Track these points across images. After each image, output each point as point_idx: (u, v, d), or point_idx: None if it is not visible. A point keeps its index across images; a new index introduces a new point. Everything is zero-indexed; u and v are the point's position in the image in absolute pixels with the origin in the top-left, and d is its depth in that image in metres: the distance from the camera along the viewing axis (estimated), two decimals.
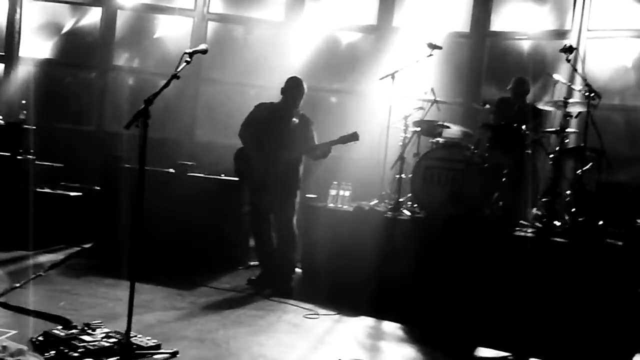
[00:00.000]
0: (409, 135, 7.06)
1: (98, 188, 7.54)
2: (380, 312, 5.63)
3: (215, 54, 9.07)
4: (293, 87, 6.20)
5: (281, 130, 6.13)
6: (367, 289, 5.86)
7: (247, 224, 6.72)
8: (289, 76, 6.30)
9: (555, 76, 6.86)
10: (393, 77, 6.70)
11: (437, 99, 6.96)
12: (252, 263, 6.99)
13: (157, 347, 4.07)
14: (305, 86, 6.24)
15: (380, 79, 6.79)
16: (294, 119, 6.20)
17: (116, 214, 6.50)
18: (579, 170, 6.33)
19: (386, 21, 9.14)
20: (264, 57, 9.06)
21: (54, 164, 7.94)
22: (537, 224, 6.30)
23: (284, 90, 6.22)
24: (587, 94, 6.16)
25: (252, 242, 6.62)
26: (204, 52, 4.36)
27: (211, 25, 9.50)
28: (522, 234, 6.02)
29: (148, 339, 4.09)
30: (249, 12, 9.46)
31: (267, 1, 9.45)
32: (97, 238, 7.15)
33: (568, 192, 6.52)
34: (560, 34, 8.30)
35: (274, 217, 6.28)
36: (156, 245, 6.09)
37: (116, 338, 4.05)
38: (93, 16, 9.56)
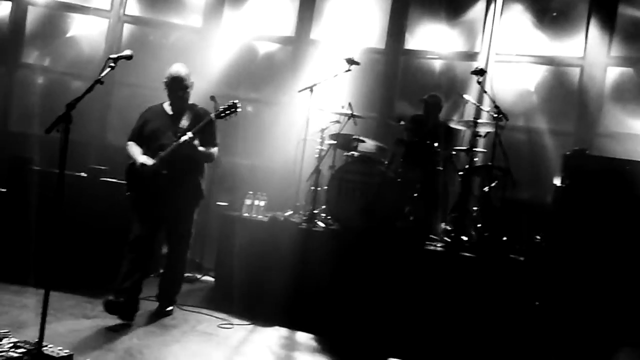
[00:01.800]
0: (325, 148, 7.16)
1: (3, 190, 7.23)
2: (294, 323, 5.71)
3: None
4: (170, 79, 5.49)
5: (169, 131, 5.40)
6: (281, 299, 5.93)
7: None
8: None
9: (466, 96, 7.18)
10: (311, 90, 6.78)
11: (354, 113, 7.09)
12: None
13: (69, 357, 3.98)
14: (186, 76, 5.50)
15: (299, 91, 6.85)
16: (185, 116, 5.48)
17: (22, 217, 6.29)
18: (486, 188, 6.63)
19: (304, 33, 9.25)
20: (180, 63, 8.95)
21: None
22: (446, 238, 6.55)
23: (165, 85, 5.51)
24: (495, 115, 6.48)
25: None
26: (129, 57, 4.30)
27: (127, 28, 9.32)
28: (432, 247, 6.25)
29: (59, 349, 3.99)
30: (167, 17, 9.35)
31: (186, 7, 9.38)
32: (0, 243, 6.86)
33: (475, 208, 6.81)
34: (470, 55, 8.67)
35: (167, 231, 5.66)
36: (66, 251, 5.92)
37: (25, 348, 3.93)
38: (1, 10, 9.17)
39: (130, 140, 5.57)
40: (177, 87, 5.48)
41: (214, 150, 5.63)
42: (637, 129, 7.82)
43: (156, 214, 5.45)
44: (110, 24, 9.24)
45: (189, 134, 5.27)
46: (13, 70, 9.18)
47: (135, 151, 5.47)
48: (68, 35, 9.29)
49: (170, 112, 5.57)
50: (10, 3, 9.12)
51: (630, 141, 7.66)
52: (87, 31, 9.26)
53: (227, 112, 5.49)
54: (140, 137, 5.54)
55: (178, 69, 5.53)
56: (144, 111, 5.66)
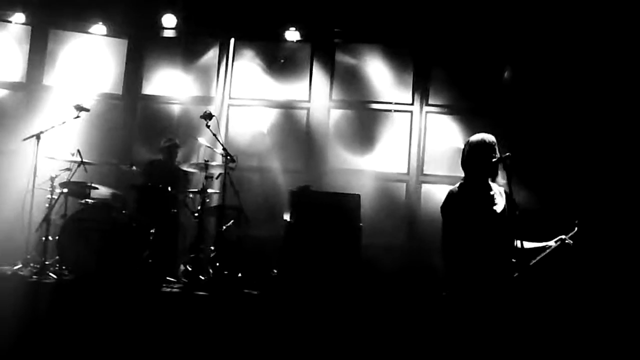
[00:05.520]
0: (55, 196, 6.93)
1: None
2: None
3: None
4: None
5: None
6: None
7: None
8: None
9: (200, 140, 7.40)
10: (38, 138, 6.59)
11: (84, 160, 6.94)
12: None
13: None
14: None
15: (24, 139, 6.62)
16: None
17: None
18: (222, 227, 6.88)
19: (36, 79, 8.92)
20: None
21: None
22: (184, 279, 6.67)
23: None
24: (224, 157, 6.78)
25: None
26: None
27: None
28: (169, 289, 6.33)
29: None
30: None
31: None
32: None
33: (212, 247, 7.03)
34: (206, 100, 8.95)
35: None
36: None
37: None
38: None
39: None
40: None
41: None
42: (356, 164, 8.62)
43: None
44: None
45: None
46: None
47: None
48: None
49: None
50: None
51: (352, 176, 8.40)
52: None
53: None
54: None
55: None
56: None
